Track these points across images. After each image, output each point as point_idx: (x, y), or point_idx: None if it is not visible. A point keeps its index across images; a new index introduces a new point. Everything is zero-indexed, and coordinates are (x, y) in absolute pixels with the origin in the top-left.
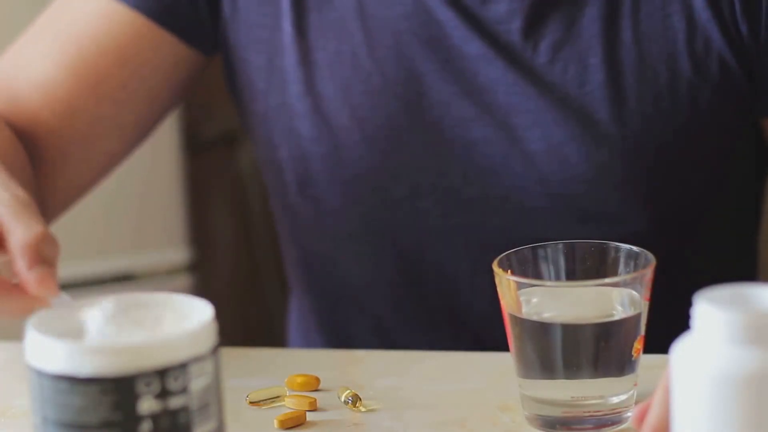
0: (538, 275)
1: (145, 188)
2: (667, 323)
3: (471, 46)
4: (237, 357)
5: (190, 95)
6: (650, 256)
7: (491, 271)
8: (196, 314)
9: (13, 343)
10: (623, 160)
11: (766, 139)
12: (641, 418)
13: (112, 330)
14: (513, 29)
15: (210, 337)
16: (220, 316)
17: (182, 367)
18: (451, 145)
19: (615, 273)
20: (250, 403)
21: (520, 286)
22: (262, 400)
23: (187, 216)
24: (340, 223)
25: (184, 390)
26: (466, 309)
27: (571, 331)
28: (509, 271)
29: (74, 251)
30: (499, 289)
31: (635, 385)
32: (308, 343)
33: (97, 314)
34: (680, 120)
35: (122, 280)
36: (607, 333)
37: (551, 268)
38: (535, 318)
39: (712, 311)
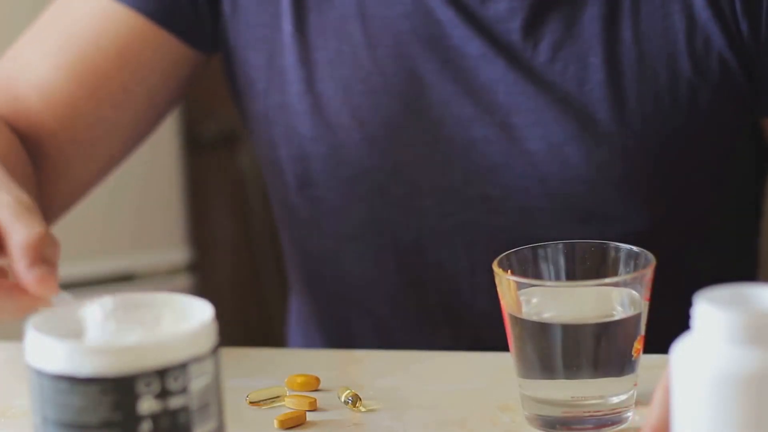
0: (538, 275)
1: (145, 188)
2: (667, 323)
3: (471, 45)
4: (237, 357)
5: (190, 95)
6: (650, 256)
7: (491, 270)
8: (196, 314)
9: (13, 343)
10: (623, 159)
11: (766, 138)
12: None
13: (112, 327)
14: (513, 29)
15: (210, 337)
16: (220, 316)
17: (182, 367)
18: (451, 145)
19: (615, 273)
20: (250, 403)
21: (520, 286)
22: (262, 400)
23: (187, 216)
24: (340, 223)
25: (184, 390)
26: (466, 308)
27: (571, 331)
28: (509, 271)
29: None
30: (499, 289)
31: (635, 385)
32: (308, 343)
33: (96, 311)
34: (680, 119)
35: (122, 280)
36: (607, 333)
37: (551, 268)
38: (535, 318)
39: (712, 311)
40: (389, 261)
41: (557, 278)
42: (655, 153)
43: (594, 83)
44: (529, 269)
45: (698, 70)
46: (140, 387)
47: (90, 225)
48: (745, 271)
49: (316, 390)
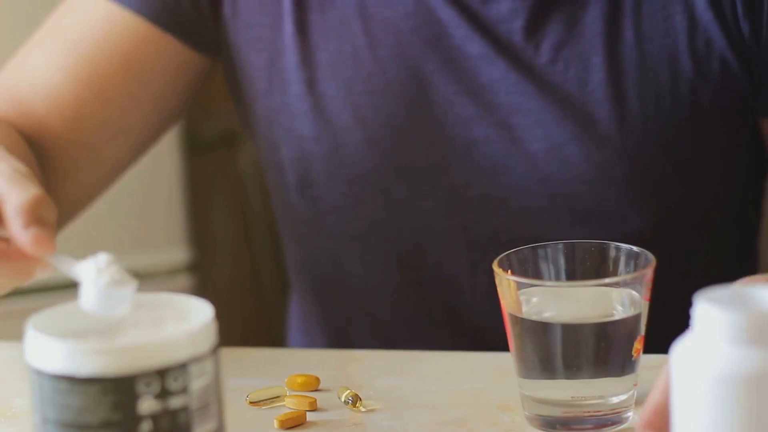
0: (538, 275)
1: (145, 188)
2: (667, 323)
3: (472, 45)
4: (237, 357)
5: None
6: (650, 256)
7: (491, 270)
8: (196, 314)
9: (13, 343)
10: (624, 159)
11: (765, 139)
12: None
13: (105, 281)
14: (514, 29)
15: (210, 337)
16: (220, 316)
17: (182, 367)
18: (452, 145)
19: (615, 273)
20: (250, 403)
21: (520, 286)
22: (262, 400)
23: (187, 216)
24: (341, 223)
25: (184, 390)
26: (467, 308)
27: (571, 331)
28: (509, 271)
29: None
30: (499, 289)
31: (635, 385)
32: (308, 343)
33: (90, 267)
34: (681, 120)
35: None
36: (607, 333)
37: (551, 268)
38: (535, 318)
39: (712, 311)
40: (390, 261)
41: (557, 278)
42: (656, 153)
43: (595, 84)
44: (529, 269)
45: (699, 71)
46: (140, 387)
47: (90, 225)
48: (745, 272)
49: (316, 390)
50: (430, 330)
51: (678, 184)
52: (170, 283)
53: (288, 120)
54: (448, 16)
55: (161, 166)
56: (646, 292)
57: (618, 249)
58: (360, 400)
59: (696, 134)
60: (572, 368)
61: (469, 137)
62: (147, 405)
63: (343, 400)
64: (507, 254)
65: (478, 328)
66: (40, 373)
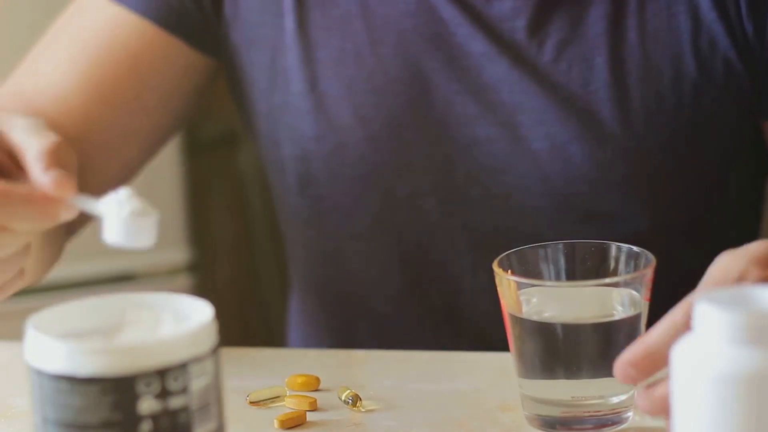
0: (538, 275)
1: (145, 188)
2: None
3: (475, 44)
4: (237, 357)
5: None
6: (650, 256)
7: (492, 269)
8: (196, 314)
9: (13, 343)
10: (626, 159)
11: (766, 140)
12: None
13: (127, 211)
14: (518, 27)
15: (210, 337)
16: (220, 316)
17: (182, 367)
18: (454, 144)
19: (615, 273)
20: (250, 403)
21: (520, 286)
22: (262, 400)
23: (187, 216)
24: (342, 222)
25: (184, 390)
26: (469, 307)
27: (571, 331)
28: (509, 271)
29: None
30: (499, 289)
31: (635, 385)
32: (309, 342)
33: (111, 200)
34: (684, 120)
35: (122, 280)
36: (607, 333)
37: (551, 268)
38: (535, 318)
39: (712, 311)
40: (392, 260)
41: (557, 278)
42: (658, 153)
43: (598, 83)
44: (529, 269)
45: (703, 71)
46: (140, 387)
47: (90, 225)
48: None
49: (316, 390)
50: (432, 329)
51: (679, 185)
52: (170, 283)
53: (289, 119)
54: (451, 15)
55: (161, 166)
56: (646, 292)
57: (618, 249)
58: (360, 400)
59: (698, 134)
60: (572, 368)
61: (470, 136)
62: (147, 405)
63: (343, 400)
64: (507, 254)
65: (480, 327)
66: (40, 373)
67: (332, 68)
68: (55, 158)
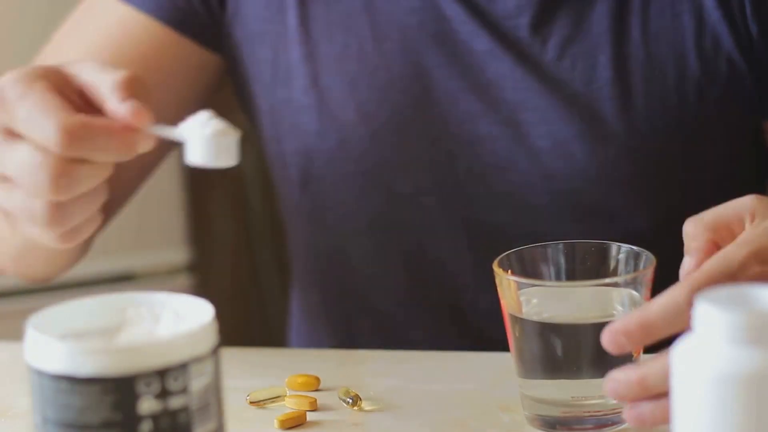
0: (538, 275)
1: (145, 188)
2: None
3: (478, 41)
4: (237, 357)
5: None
6: (650, 256)
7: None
8: (196, 314)
9: (13, 343)
10: (629, 158)
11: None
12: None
13: (209, 132)
14: (521, 25)
15: (210, 337)
16: (220, 316)
17: (182, 367)
18: (456, 141)
19: (615, 273)
20: (250, 403)
21: (520, 286)
22: (262, 400)
23: (187, 216)
24: (344, 218)
25: (184, 390)
26: (470, 305)
27: (571, 331)
28: (509, 271)
29: None
30: (499, 289)
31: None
32: (310, 340)
33: (192, 123)
34: (686, 119)
35: (122, 280)
36: None
37: (551, 268)
38: (535, 318)
39: (713, 311)
40: (394, 257)
41: (557, 278)
42: (661, 152)
43: (602, 81)
44: (529, 269)
45: (706, 71)
46: (140, 387)
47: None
48: None
49: (316, 390)
50: (434, 326)
51: (682, 184)
52: (170, 283)
53: (292, 114)
54: (454, 12)
55: (161, 166)
56: (646, 292)
57: (618, 249)
58: (360, 400)
59: (701, 134)
60: (572, 368)
61: (473, 133)
62: (147, 405)
63: (343, 399)
64: (507, 254)
65: (482, 325)
66: (40, 373)
67: (335, 64)
68: (131, 90)
